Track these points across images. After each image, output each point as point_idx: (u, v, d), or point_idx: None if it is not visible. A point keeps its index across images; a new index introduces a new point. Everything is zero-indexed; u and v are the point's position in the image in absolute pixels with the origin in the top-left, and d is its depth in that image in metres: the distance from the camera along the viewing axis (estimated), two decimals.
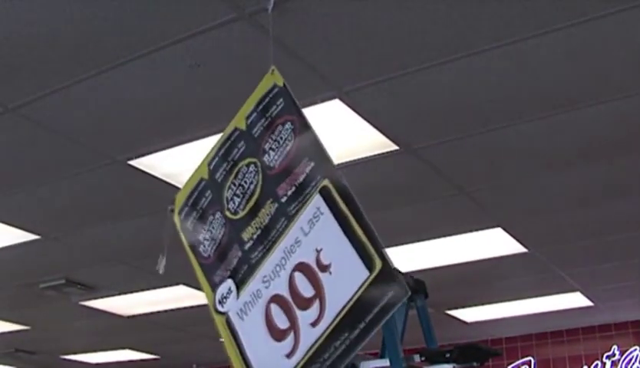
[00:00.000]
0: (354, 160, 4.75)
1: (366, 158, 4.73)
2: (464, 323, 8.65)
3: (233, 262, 2.93)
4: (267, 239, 2.79)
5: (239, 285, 2.89)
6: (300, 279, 2.65)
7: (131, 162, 4.86)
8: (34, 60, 3.65)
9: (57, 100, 4.06)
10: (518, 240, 6.17)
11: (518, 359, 9.35)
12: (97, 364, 11.68)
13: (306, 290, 2.62)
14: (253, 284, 2.83)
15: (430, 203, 5.52)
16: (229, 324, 2.92)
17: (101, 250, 6.52)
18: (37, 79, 3.86)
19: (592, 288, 7.62)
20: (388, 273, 2.41)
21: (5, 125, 4.36)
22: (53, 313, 8.71)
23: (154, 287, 7.51)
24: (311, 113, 3.99)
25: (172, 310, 8.12)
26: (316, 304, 2.58)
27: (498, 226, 5.87)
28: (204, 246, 3.08)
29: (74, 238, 6.29)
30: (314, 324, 2.57)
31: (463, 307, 8.20)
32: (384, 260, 2.42)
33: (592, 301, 8.00)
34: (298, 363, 2.61)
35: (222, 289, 2.98)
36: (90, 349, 10.76)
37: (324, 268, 2.58)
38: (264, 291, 2.78)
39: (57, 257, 6.81)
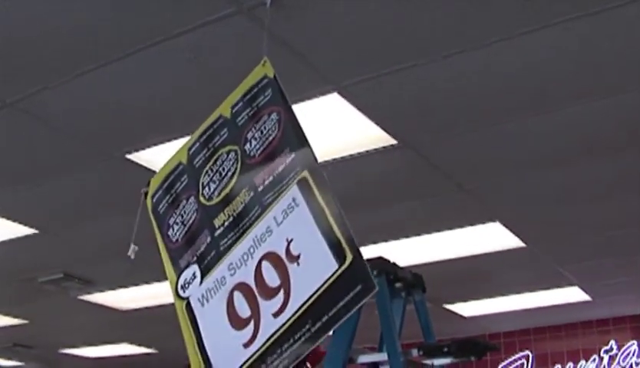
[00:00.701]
0: (352, 155, 4.74)
1: (364, 152, 4.73)
2: (462, 317, 8.65)
3: (201, 248, 2.92)
4: (238, 227, 2.77)
5: (205, 271, 2.89)
6: (267, 268, 2.63)
7: (129, 157, 4.85)
8: (33, 55, 3.65)
9: (55, 96, 4.05)
10: (516, 235, 6.17)
11: (516, 354, 9.36)
12: (96, 358, 11.68)
13: (272, 279, 2.60)
14: (219, 271, 2.82)
15: (428, 198, 5.52)
16: (188, 309, 2.92)
17: (99, 244, 6.52)
18: (36, 74, 3.85)
19: (590, 283, 7.63)
20: (358, 267, 2.39)
21: (3, 120, 4.35)
22: (51, 307, 8.71)
23: (152, 282, 7.50)
24: (309, 108, 4.01)
25: (170, 304, 8.07)
26: (281, 294, 2.56)
27: (496, 221, 5.87)
28: (173, 230, 3.07)
29: (72, 232, 6.29)
30: (276, 314, 2.56)
31: (461, 301, 8.20)
32: (356, 254, 2.40)
33: (590, 296, 8.01)
34: (254, 353, 2.59)
35: (186, 274, 2.98)
36: (89, 343, 10.76)
37: (293, 259, 2.56)
38: (229, 279, 2.77)
39: (55, 251, 6.81)
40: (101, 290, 7.94)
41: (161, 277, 7.25)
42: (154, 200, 3.20)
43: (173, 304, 8.05)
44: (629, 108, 4.23)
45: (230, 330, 2.71)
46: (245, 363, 2.62)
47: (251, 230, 2.72)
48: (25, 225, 6.05)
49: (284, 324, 2.53)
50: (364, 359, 3.06)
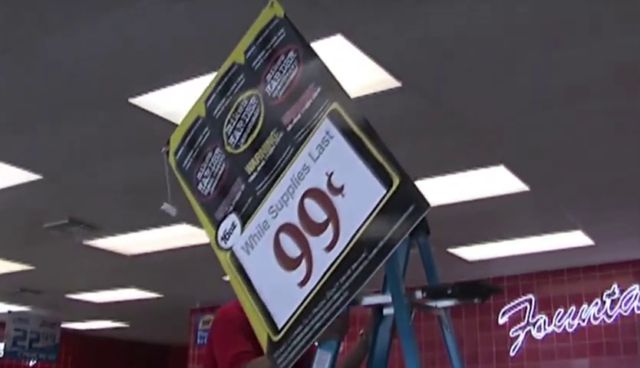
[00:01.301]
0: (356, 97, 4.71)
1: (368, 95, 4.70)
2: (466, 261, 8.69)
3: (236, 196, 2.87)
4: (272, 169, 2.73)
5: (244, 219, 2.85)
6: (311, 205, 2.59)
7: (132, 101, 4.84)
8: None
9: (59, 40, 4.03)
10: (520, 178, 6.16)
11: (519, 298, 9.42)
12: (102, 303, 11.79)
13: (318, 215, 2.57)
14: (259, 216, 2.77)
15: (433, 140, 5.50)
16: (234, 260, 2.87)
17: (104, 189, 6.54)
18: (40, 18, 3.82)
19: (593, 227, 7.65)
20: (407, 187, 2.37)
21: (6, 65, 4.33)
22: (57, 253, 8.78)
23: (157, 226, 7.53)
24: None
25: (175, 249, 8.16)
26: (330, 228, 2.52)
27: (501, 163, 5.85)
28: (203, 184, 3.03)
29: (76, 177, 6.30)
30: (328, 248, 2.52)
31: (465, 245, 8.23)
32: (402, 175, 2.39)
33: (593, 240, 8.03)
34: (312, 290, 2.55)
35: (225, 224, 2.93)
36: (95, 288, 10.86)
37: (336, 191, 2.53)
38: (271, 222, 2.72)
39: (60, 197, 6.83)
40: (107, 236, 7.98)
41: (167, 221, 7.32)
42: (177, 157, 3.16)
43: (177, 249, 8.08)
44: (629, 49, 4.19)
45: (282, 272, 2.67)
46: (304, 300, 2.58)
47: (286, 170, 2.68)
48: (29, 170, 6.05)
49: (339, 257, 2.50)
50: (368, 301, 3.04)
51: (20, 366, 14.39)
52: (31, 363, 14.25)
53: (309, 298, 2.57)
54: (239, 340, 3.24)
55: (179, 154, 3.15)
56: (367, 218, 2.43)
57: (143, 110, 4.92)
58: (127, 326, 14.35)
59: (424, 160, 5.84)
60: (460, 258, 8.57)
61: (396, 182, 2.39)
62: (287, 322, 2.63)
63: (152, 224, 7.47)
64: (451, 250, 8.29)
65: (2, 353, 12.67)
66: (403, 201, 2.37)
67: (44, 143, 5.57)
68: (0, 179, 6.27)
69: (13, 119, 5.16)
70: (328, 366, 2.87)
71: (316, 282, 2.55)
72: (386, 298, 2.99)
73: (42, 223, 7.52)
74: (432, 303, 3.13)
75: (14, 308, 12.30)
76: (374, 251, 2.42)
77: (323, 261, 2.54)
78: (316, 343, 2.78)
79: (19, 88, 4.69)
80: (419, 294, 3.00)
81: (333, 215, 2.52)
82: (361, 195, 2.46)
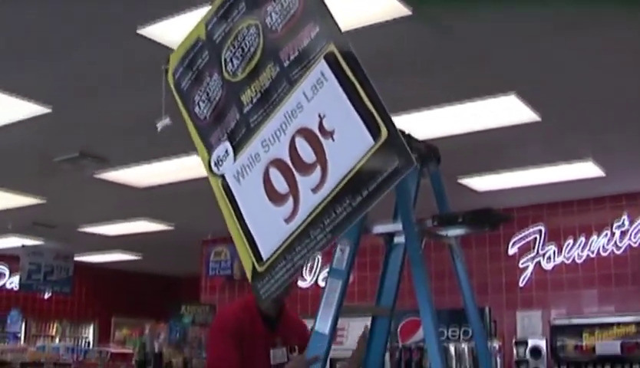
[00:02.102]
0: (366, 26, 4.66)
1: (378, 24, 4.65)
2: (476, 192, 8.68)
3: (231, 124, 2.91)
4: (267, 103, 2.75)
5: (237, 148, 2.88)
6: (301, 144, 2.63)
7: (140, 32, 4.80)
8: None
9: None
10: (531, 107, 6.11)
11: (529, 228, 9.45)
12: (114, 236, 11.89)
13: (307, 155, 2.60)
14: (252, 148, 2.81)
15: (443, 69, 5.46)
16: (224, 186, 2.92)
17: (114, 121, 6.53)
18: None
19: (603, 158, 7.61)
20: (394, 142, 2.38)
21: None
22: (68, 186, 8.82)
23: (168, 157, 7.54)
24: None
25: (186, 180, 8.17)
26: (317, 170, 2.57)
27: (512, 93, 5.81)
28: (199, 107, 3.05)
29: (86, 110, 6.30)
30: (315, 190, 2.57)
31: (476, 175, 8.21)
32: (391, 128, 2.39)
33: (604, 171, 8.00)
34: (297, 228, 2.62)
35: (218, 151, 2.97)
36: (107, 220, 10.94)
37: (327, 134, 2.55)
38: (263, 155, 2.77)
39: (70, 130, 6.84)
40: (117, 168, 8.00)
41: (177, 150, 7.32)
42: (176, 77, 3.16)
43: (188, 181, 8.16)
44: None
45: (270, 206, 2.73)
46: (289, 237, 2.65)
47: (281, 106, 2.71)
48: (39, 102, 6.04)
49: (324, 199, 2.55)
50: (380, 229, 3.07)
51: (35, 299, 14.61)
52: (46, 296, 14.47)
53: (293, 236, 2.66)
54: (227, 348, 3.40)
55: (178, 74, 3.16)
56: (354, 167, 2.47)
57: (151, 40, 4.88)
58: (140, 258, 14.50)
59: (435, 90, 5.80)
60: (470, 189, 8.57)
61: (384, 133, 2.40)
62: (271, 255, 2.72)
63: (163, 155, 7.48)
64: (461, 180, 8.28)
65: (18, 286, 12.84)
66: (389, 155, 2.39)
67: (52, 74, 5.55)
68: (11, 113, 6.28)
69: (21, 50, 5.13)
70: (339, 293, 2.90)
71: (301, 221, 2.62)
72: (397, 226, 3.01)
73: (53, 157, 7.55)
74: (443, 232, 3.15)
75: (28, 242, 12.42)
76: (358, 199, 2.47)
77: (309, 202, 2.60)
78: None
79: (26, 18, 4.65)
80: (429, 223, 3.01)
81: (322, 158, 2.56)
82: (350, 143, 2.49)
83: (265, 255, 2.75)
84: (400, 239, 3.16)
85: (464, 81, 5.65)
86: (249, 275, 2.81)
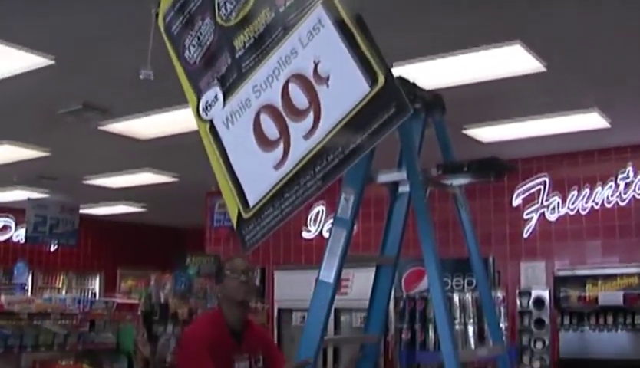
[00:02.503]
0: None
1: None
2: (480, 143, 8.65)
3: (222, 69, 2.89)
4: (260, 48, 2.73)
5: (227, 93, 2.87)
6: (294, 90, 2.62)
7: None
8: None
9: None
10: (536, 56, 6.06)
11: (533, 180, 9.45)
12: (118, 188, 11.92)
13: (300, 101, 2.59)
14: (243, 93, 2.80)
15: (447, 18, 5.40)
16: (213, 132, 2.93)
17: (118, 72, 6.49)
18: None
19: (609, 108, 7.57)
20: (391, 89, 2.37)
21: None
22: (72, 138, 8.81)
23: (172, 108, 7.51)
24: None
25: (190, 132, 8.13)
26: (310, 116, 2.56)
27: (517, 41, 5.75)
28: (189, 52, 3.03)
29: (88, 61, 6.26)
30: (306, 136, 2.56)
31: (480, 126, 8.18)
32: (388, 76, 2.38)
33: (609, 122, 7.97)
34: (286, 174, 2.62)
35: (207, 96, 2.96)
36: (111, 173, 10.95)
37: (321, 80, 2.54)
38: (254, 100, 2.76)
39: (73, 82, 6.81)
40: (121, 120, 7.99)
41: (181, 101, 7.27)
42: (167, 21, 3.14)
43: (193, 132, 8.09)
44: None
45: (259, 152, 2.72)
46: (277, 183, 2.65)
47: (274, 51, 2.68)
48: (43, 53, 6.01)
49: (315, 146, 2.54)
50: (384, 178, 3.07)
51: (41, 251, 14.71)
52: (52, 248, 14.55)
53: (282, 182, 2.64)
54: (204, 359, 3.43)
55: (168, 18, 3.14)
56: (348, 113, 2.46)
57: None
58: (145, 210, 14.55)
59: (439, 38, 5.75)
60: (474, 139, 8.54)
61: (381, 80, 2.39)
62: (259, 201, 2.73)
63: (166, 106, 7.44)
64: (466, 131, 8.25)
65: (24, 238, 12.91)
66: (385, 102, 2.39)
67: (57, 26, 5.51)
68: (13, 64, 6.24)
69: (24, 1, 5.09)
70: (344, 242, 2.91)
71: (291, 167, 2.62)
72: (401, 175, 3.01)
73: (56, 109, 7.53)
74: (447, 181, 3.15)
75: (33, 195, 12.46)
76: (351, 146, 2.45)
77: (300, 148, 2.60)
78: None
79: None
80: (434, 171, 3.01)
81: (315, 104, 2.55)
82: (345, 89, 2.48)
83: (251, 202, 2.75)
84: (404, 188, 3.16)
85: (469, 30, 5.59)
86: (233, 221, 2.81)
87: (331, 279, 2.92)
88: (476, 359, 3.90)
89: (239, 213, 2.80)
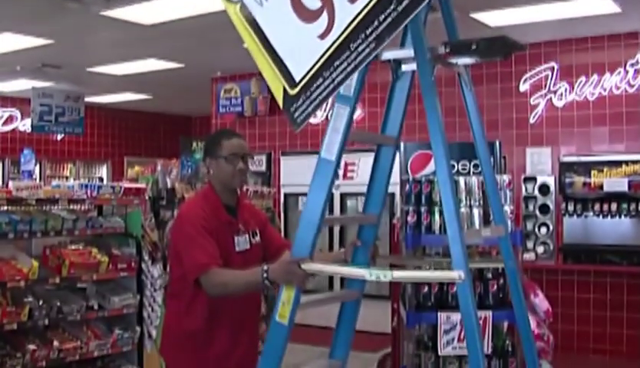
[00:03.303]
0: None
1: None
2: (488, 27, 8.51)
3: None
4: None
5: None
6: None
7: None
8: None
9: None
10: None
11: (541, 65, 9.34)
12: (123, 75, 11.84)
13: None
14: None
15: None
16: (244, 11, 2.78)
17: None
18: None
19: None
20: None
21: None
22: (75, 25, 8.71)
23: None
24: None
25: (194, 16, 8.04)
26: None
27: None
28: None
29: None
30: (352, 0, 2.47)
31: (488, 10, 8.03)
32: None
33: (620, 7, 7.82)
34: (334, 42, 2.50)
35: None
36: (115, 60, 10.86)
37: None
38: None
39: None
40: (124, 5, 7.85)
41: None
42: None
43: (196, 17, 7.97)
44: None
45: (300, 25, 2.60)
46: (325, 52, 2.53)
47: None
48: None
49: (364, 7, 2.42)
50: (389, 55, 2.98)
51: (48, 141, 14.76)
52: (59, 137, 14.60)
53: (331, 50, 2.50)
54: (206, 241, 3.36)
55: None
56: None
57: None
58: (150, 97, 14.51)
59: None
60: (482, 24, 8.40)
61: None
62: (306, 75, 2.58)
63: None
64: (474, 15, 8.11)
65: (30, 128, 12.93)
66: None
67: None
68: None
69: None
70: (346, 119, 2.87)
71: (338, 34, 2.48)
72: (408, 52, 2.94)
73: None
74: (454, 60, 3.10)
75: (38, 84, 12.41)
76: (404, 2, 2.34)
77: (346, 12, 2.47)
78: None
79: None
80: (442, 49, 2.95)
81: None
82: None
83: (297, 76, 2.62)
84: (408, 67, 3.10)
85: None
86: (280, 101, 2.69)
87: (333, 157, 2.87)
88: (481, 241, 3.92)
89: (285, 91, 2.69)
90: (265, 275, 3.12)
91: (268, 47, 2.70)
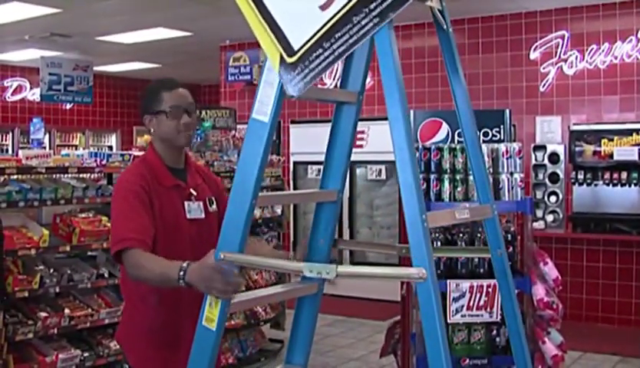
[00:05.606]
0: None
1: None
2: None
3: None
4: None
5: None
6: None
7: None
8: None
9: None
10: None
11: (552, 33, 9.27)
12: (132, 44, 11.81)
13: None
14: None
15: None
16: None
17: None
18: None
19: None
20: None
21: None
22: None
23: None
24: None
25: None
26: None
27: None
28: None
29: None
30: None
31: None
32: None
33: None
34: (335, 14, 2.42)
35: None
36: (124, 29, 10.83)
37: None
38: None
39: None
40: None
41: None
42: None
43: None
44: None
45: None
46: (326, 24, 2.44)
47: None
48: None
49: None
50: None
51: (58, 110, 14.78)
52: (68, 106, 14.61)
53: (332, 21, 2.43)
54: (135, 214, 2.96)
55: None
56: None
57: None
58: (159, 66, 14.47)
59: None
60: None
61: None
62: (304, 44, 2.50)
63: None
64: None
65: (39, 97, 12.94)
66: None
67: None
68: None
69: None
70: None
71: (341, 6, 2.40)
72: None
73: None
74: None
75: (47, 53, 12.39)
76: None
77: None
78: None
79: None
80: None
81: None
82: None
83: (296, 45, 2.50)
84: None
85: None
86: (275, 68, 2.62)
87: (266, 118, 2.56)
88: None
89: (282, 58, 2.62)
90: (181, 274, 2.63)
91: (265, 14, 2.59)
